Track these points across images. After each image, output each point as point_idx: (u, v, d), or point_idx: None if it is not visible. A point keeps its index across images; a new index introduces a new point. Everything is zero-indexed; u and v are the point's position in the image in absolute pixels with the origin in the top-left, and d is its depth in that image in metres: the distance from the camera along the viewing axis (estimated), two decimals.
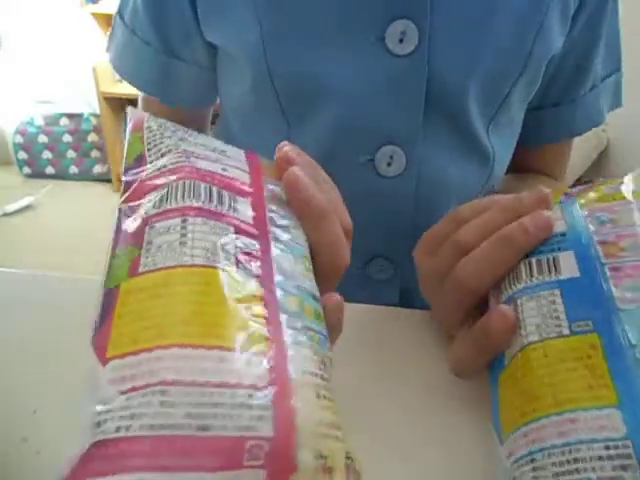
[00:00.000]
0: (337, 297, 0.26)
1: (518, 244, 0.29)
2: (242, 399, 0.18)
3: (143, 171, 0.26)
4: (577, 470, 0.21)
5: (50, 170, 2.40)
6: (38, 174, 2.41)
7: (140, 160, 0.27)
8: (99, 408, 0.18)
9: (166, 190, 0.24)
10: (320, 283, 0.27)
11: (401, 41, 0.40)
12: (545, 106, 0.52)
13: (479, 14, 0.41)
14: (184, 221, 0.23)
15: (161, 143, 0.28)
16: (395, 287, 0.52)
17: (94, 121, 2.34)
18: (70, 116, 2.35)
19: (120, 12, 0.50)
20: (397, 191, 0.47)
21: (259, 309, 0.21)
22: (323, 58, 0.42)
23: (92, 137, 2.37)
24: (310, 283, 0.25)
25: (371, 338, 0.36)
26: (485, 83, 0.43)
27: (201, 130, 0.63)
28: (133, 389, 0.18)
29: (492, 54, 0.42)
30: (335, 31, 0.41)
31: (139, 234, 0.23)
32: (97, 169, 2.40)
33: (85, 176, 2.40)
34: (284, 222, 0.26)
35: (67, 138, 2.36)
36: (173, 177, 0.25)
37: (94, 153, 2.39)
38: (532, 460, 0.23)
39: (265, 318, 0.21)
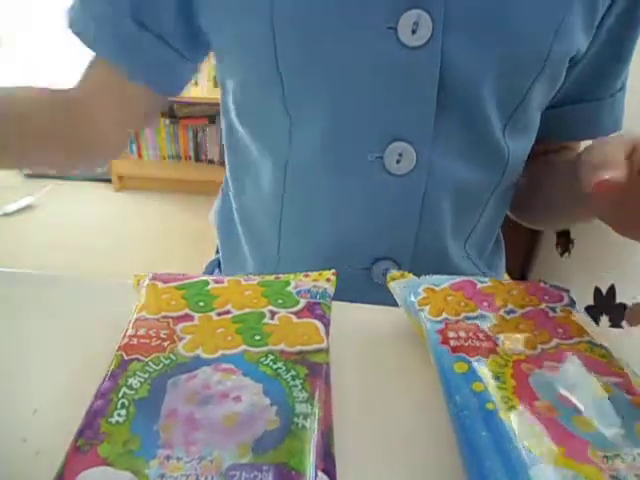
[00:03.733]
0: None
1: None
2: None
3: None
4: None
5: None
6: (38, 174, 2.41)
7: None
8: None
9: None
10: None
11: (414, 32, 0.39)
12: (565, 104, 0.50)
13: (495, 5, 0.39)
14: None
15: None
16: None
17: None
18: None
19: None
20: (406, 190, 0.45)
21: None
22: (331, 47, 0.41)
23: None
24: None
25: (371, 338, 0.36)
26: (502, 79, 0.42)
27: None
28: None
29: (508, 48, 0.40)
30: (345, 19, 0.40)
31: None
32: (97, 169, 2.40)
33: (85, 176, 2.40)
34: None
35: None
36: None
37: None
38: None
39: None
